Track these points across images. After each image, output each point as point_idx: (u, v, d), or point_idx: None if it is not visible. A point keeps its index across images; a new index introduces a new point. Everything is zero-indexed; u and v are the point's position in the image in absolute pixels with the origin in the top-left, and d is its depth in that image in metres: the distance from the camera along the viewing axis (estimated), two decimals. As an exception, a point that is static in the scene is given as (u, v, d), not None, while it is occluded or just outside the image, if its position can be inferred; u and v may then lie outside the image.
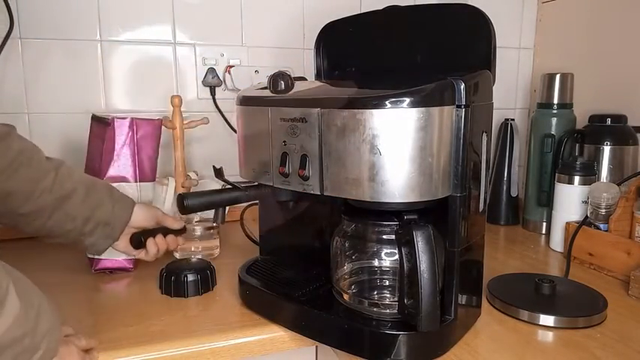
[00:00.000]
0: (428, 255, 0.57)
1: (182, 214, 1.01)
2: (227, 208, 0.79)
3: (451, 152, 0.60)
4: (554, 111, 1.16)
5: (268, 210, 0.86)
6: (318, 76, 0.88)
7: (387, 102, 0.56)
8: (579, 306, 0.77)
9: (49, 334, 0.51)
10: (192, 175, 1.14)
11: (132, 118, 0.94)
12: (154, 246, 0.85)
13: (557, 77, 1.15)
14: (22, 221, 0.75)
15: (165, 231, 0.88)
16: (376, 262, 0.72)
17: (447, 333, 0.65)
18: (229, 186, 0.73)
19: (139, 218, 0.84)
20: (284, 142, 0.66)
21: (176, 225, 0.89)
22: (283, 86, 0.69)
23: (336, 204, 0.79)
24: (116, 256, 0.93)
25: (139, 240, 0.85)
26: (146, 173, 0.97)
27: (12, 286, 0.46)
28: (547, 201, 1.15)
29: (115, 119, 0.93)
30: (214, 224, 0.99)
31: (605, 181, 1.07)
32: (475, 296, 0.72)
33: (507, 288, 0.81)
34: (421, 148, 0.57)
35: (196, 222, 1.02)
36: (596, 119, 1.11)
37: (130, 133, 0.94)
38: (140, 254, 0.87)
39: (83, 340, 0.63)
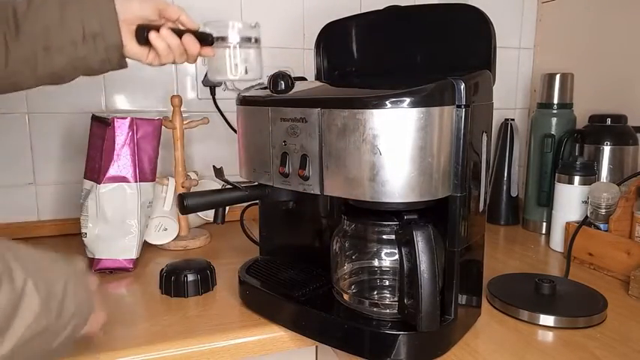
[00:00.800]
0: (428, 255, 0.57)
1: (182, 214, 1.02)
2: (227, 208, 0.79)
3: (451, 152, 0.60)
4: (554, 111, 1.16)
5: (268, 210, 0.86)
6: (318, 76, 0.88)
7: (387, 102, 0.56)
8: (579, 306, 0.77)
9: (75, 316, 0.50)
10: (192, 175, 1.14)
11: (132, 118, 0.94)
12: (160, 41, 0.72)
13: (557, 77, 1.15)
14: (15, 82, 0.69)
15: (181, 32, 0.74)
16: (376, 262, 0.72)
17: (447, 333, 0.65)
18: (229, 186, 0.73)
19: (133, 8, 0.71)
20: (284, 142, 0.66)
21: (188, 21, 0.75)
22: (283, 86, 0.69)
23: (336, 204, 0.79)
24: (116, 256, 0.93)
25: (141, 33, 0.71)
26: (146, 173, 0.97)
27: (30, 283, 0.45)
28: (547, 201, 1.15)
29: (115, 119, 0.93)
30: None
31: (605, 181, 1.06)
32: (475, 296, 0.72)
33: (507, 288, 0.81)
34: (421, 148, 0.57)
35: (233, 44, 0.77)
36: (596, 119, 1.11)
37: (130, 133, 0.94)
38: (152, 58, 0.74)
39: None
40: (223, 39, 0.75)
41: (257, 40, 0.78)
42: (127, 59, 0.73)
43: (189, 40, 0.73)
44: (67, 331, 0.50)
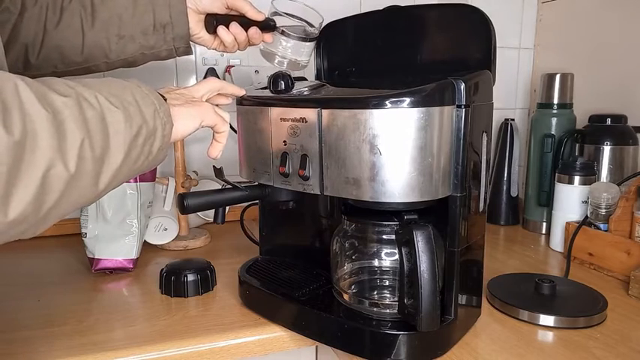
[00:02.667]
0: (428, 255, 0.57)
1: (182, 214, 1.02)
2: (227, 208, 0.79)
3: (451, 152, 0.60)
4: (554, 111, 1.16)
5: (268, 210, 0.86)
6: (318, 76, 0.88)
7: (387, 102, 0.56)
8: (579, 306, 0.77)
9: (156, 114, 0.51)
10: (192, 175, 1.14)
11: (132, 118, 0.94)
12: (227, 34, 0.75)
13: (557, 77, 1.15)
14: (88, 68, 0.72)
15: (246, 22, 0.76)
16: (376, 262, 0.72)
17: (447, 333, 0.65)
18: (229, 186, 0.73)
19: (204, 2, 0.74)
20: (284, 142, 0.66)
21: (255, 14, 0.77)
22: (283, 86, 0.69)
23: (336, 204, 0.79)
24: (116, 256, 0.93)
25: (211, 23, 0.75)
26: (146, 173, 0.97)
27: (102, 98, 0.45)
28: (547, 201, 1.15)
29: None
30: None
31: (605, 181, 1.06)
32: (475, 296, 0.72)
33: (507, 288, 0.81)
34: (421, 148, 0.57)
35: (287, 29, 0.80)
36: (596, 119, 1.11)
37: (130, 133, 0.94)
38: (217, 44, 0.78)
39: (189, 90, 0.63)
40: (283, 31, 0.79)
41: (313, 39, 0.81)
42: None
43: (255, 33, 0.77)
44: (160, 132, 0.51)
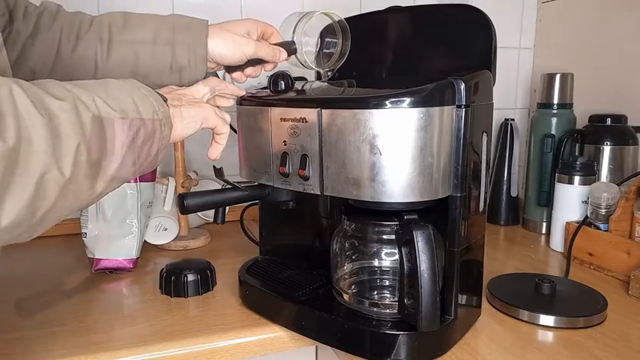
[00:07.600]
0: (428, 255, 0.57)
1: (182, 214, 1.02)
2: (227, 208, 0.79)
3: (451, 152, 0.60)
4: (554, 111, 1.16)
5: (268, 210, 0.86)
6: (318, 76, 0.88)
7: (387, 102, 0.57)
8: (579, 306, 0.77)
9: (155, 115, 0.51)
10: (192, 175, 1.14)
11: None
12: (242, 77, 0.75)
13: (557, 77, 1.15)
14: None
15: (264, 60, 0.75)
16: (376, 262, 0.72)
17: (447, 333, 0.65)
18: (229, 186, 0.73)
19: (225, 60, 0.72)
20: (284, 142, 0.66)
21: (277, 59, 0.74)
22: (283, 86, 0.69)
23: (336, 204, 0.79)
24: (116, 256, 0.93)
25: (227, 70, 0.75)
26: (146, 173, 0.96)
27: (100, 101, 0.45)
28: (547, 201, 1.15)
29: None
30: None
31: (605, 181, 1.06)
32: (475, 296, 0.72)
33: (507, 288, 0.81)
34: (421, 148, 0.57)
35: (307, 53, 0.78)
36: (596, 119, 1.11)
37: (130, 133, 0.94)
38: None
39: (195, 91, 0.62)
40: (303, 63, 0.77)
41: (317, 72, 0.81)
42: None
43: (269, 67, 0.76)
44: (158, 134, 0.51)
